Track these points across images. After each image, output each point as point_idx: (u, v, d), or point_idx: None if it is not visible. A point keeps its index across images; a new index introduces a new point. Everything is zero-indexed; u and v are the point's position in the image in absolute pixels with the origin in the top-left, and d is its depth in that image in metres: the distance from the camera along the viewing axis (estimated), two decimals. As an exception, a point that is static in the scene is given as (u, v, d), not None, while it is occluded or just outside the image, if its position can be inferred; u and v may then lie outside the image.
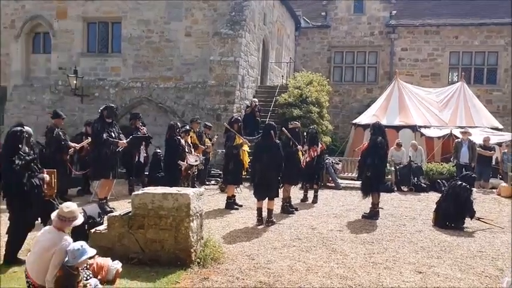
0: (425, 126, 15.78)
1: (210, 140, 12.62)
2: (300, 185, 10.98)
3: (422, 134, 15.47)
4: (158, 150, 12.13)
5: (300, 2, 23.71)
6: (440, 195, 9.18)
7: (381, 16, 22.96)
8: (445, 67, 22.27)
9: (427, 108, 16.82)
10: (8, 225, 5.75)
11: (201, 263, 5.60)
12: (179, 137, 10.19)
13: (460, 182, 8.40)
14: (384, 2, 22.91)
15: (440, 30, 22.09)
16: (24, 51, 17.85)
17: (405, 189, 12.50)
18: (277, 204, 8.78)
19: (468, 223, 8.19)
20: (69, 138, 10.43)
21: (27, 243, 5.68)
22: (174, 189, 5.78)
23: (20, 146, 5.63)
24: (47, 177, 5.83)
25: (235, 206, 9.49)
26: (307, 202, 10.41)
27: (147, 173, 11.77)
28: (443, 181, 12.21)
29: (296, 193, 10.77)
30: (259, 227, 7.86)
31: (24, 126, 5.91)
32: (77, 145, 10.20)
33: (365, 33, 23.11)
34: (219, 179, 12.55)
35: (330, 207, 9.89)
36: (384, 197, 10.53)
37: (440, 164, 13.52)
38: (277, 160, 8.00)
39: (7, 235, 5.68)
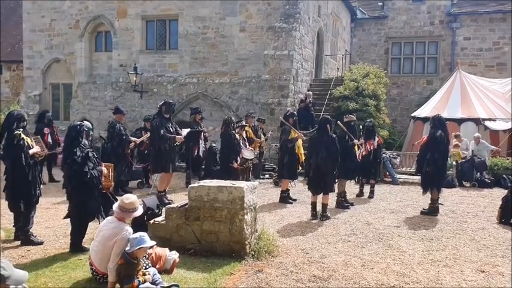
0: (489, 119, 14.97)
1: (265, 134, 12.67)
2: (355, 180, 10.79)
3: (486, 127, 14.70)
4: (214, 145, 12.39)
5: (356, -7, 23.25)
6: (506, 191, 8.72)
7: (442, 4, 22.02)
8: (511, 56, 21.03)
9: (491, 99, 15.94)
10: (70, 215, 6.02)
11: (255, 255, 5.66)
12: (234, 132, 10.31)
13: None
14: (446, -11, 21.99)
15: (506, 17, 20.76)
16: (87, 49, 18.67)
17: (467, 184, 11.98)
18: (332, 199, 8.68)
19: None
20: (129, 133, 10.83)
21: (91, 232, 5.95)
22: (228, 182, 5.88)
23: (80, 139, 5.95)
24: (104, 169, 6.08)
25: (290, 200, 9.49)
26: (363, 197, 10.23)
27: (204, 166, 12.02)
28: (510, 177, 11.60)
29: (352, 188, 10.61)
30: (314, 221, 7.82)
31: (84, 121, 6.24)
32: (137, 140, 10.62)
33: (424, 22, 22.29)
34: (273, 173, 12.59)
35: (386, 203, 9.66)
36: (445, 192, 10.12)
37: (506, 158, 12.82)
38: (332, 154, 7.90)
39: (71, 225, 6.00)
